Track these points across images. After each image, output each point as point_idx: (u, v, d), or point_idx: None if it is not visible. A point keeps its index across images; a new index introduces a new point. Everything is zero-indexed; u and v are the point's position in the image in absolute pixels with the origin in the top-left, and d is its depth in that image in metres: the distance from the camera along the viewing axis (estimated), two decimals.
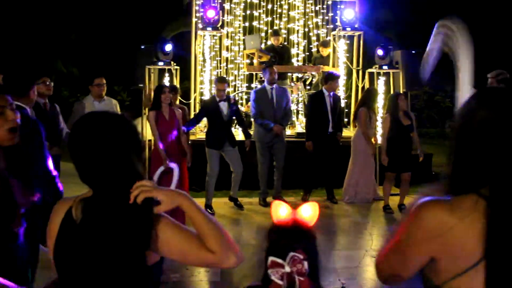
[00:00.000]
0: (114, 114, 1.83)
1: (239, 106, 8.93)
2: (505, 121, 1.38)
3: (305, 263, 1.69)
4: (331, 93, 7.79)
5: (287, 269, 1.68)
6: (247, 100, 9.91)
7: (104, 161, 1.63)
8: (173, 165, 5.45)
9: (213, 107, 7.29)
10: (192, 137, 8.41)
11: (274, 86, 7.67)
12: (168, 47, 8.58)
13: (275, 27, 10.62)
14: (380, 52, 9.21)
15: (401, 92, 8.59)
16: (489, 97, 1.46)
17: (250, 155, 7.61)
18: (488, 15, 12.85)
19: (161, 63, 8.63)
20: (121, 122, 1.71)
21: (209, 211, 7.27)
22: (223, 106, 7.27)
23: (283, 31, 10.75)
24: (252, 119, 8.25)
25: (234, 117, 7.65)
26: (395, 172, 7.40)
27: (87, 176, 1.68)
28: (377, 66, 9.30)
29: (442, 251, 1.41)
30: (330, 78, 7.84)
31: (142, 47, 8.91)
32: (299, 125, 9.75)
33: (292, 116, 8.28)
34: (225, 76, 9.83)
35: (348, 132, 9.47)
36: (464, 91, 6.70)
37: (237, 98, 8.80)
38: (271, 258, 1.71)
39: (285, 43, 10.51)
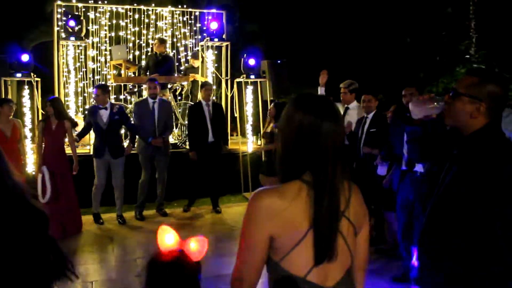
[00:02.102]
0: None
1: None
2: (313, 122, 1.64)
3: None
4: (210, 102, 7.82)
5: None
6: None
7: None
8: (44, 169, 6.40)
9: (93, 115, 7.13)
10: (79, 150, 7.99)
11: (157, 99, 7.57)
12: (25, 57, 8.06)
13: (151, 37, 10.49)
14: (251, 61, 9.49)
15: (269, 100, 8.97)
16: (302, 102, 1.70)
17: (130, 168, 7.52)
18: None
19: (18, 75, 8.09)
20: None
21: (120, 220, 7.30)
22: (103, 114, 7.08)
23: (150, 41, 10.66)
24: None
25: (121, 126, 7.43)
26: (272, 176, 7.72)
27: None
28: (244, 75, 9.59)
29: (278, 229, 1.62)
30: (201, 86, 7.96)
31: None
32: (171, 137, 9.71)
33: (173, 128, 8.15)
34: (91, 88, 9.49)
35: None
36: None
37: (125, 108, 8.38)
38: None
39: (170, 54, 10.37)
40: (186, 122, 8.65)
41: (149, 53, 10.11)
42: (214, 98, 8.99)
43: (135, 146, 7.57)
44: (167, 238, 1.80)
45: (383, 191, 5.63)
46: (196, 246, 1.80)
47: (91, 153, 7.42)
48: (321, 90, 7.20)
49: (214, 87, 10.37)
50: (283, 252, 1.64)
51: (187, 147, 8.25)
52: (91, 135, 7.73)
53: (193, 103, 8.91)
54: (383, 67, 12.75)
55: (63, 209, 6.62)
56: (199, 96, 8.22)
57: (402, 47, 12.79)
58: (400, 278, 4.93)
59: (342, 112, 6.83)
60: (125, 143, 7.64)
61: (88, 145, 8.46)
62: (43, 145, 6.74)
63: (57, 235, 6.46)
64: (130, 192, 7.51)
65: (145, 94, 9.28)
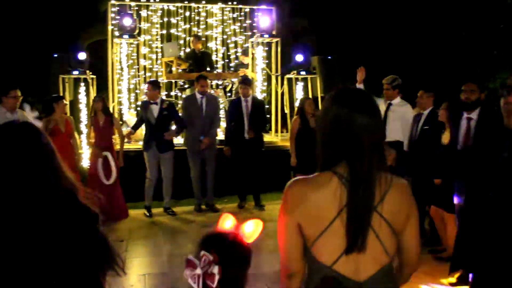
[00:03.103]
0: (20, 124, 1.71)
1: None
2: (348, 114, 1.66)
3: (215, 267, 1.63)
4: (248, 98, 7.80)
5: (199, 271, 1.63)
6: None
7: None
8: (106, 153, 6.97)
9: (144, 109, 7.34)
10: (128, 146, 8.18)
11: (205, 95, 7.65)
12: (82, 56, 8.30)
13: (194, 34, 10.60)
14: (299, 57, 9.42)
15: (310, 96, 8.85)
16: (339, 96, 1.74)
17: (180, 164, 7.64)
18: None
19: (75, 72, 8.33)
20: (24, 131, 1.62)
21: (169, 212, 7.49)
22: (154, 108, 7.26)
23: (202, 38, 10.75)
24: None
25: (170, 122, 7.57)
26: (304, 174, 7.55)
27: None
28: (295, 72, 9.51)
29: (305, 216, 1.68)
30: (239, 82, 7.96)
31: (55, 55, 8.58)
32: (220, 132, 9.77)
33: (219, 124, 8.21)
34: (143, 85, 9.67)
35: (269, 138, 9.61)
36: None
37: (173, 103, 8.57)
38: (188, 257, 1.67)
39: (206, 50, 10.49)
40: None
41: (186, 51, 10.18)
42: (254, 94, 8.95)
43: (183, 141, 7.68)
44: (227, 223, 1.88)
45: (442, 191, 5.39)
46: (251, 228, 1.85)
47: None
48: (359, 87, 7.21)
49: (265, 83, 10.36)
50: (312, 239, 1.69)
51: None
52: (143, 131, 7.88)
53: (234, 99, 8.94)
54: (437, 62, 12.37)
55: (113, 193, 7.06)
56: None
57: (457, 42, 12.37)
58: (456, 283, 4.71)
59: (384, 108, 6.65)
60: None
61: (140, 140, 8.62)
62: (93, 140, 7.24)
63: (114, 217, 6.89)
64: (177, 187, 7.64)
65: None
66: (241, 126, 7.69)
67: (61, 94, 8.11)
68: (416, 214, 1.79)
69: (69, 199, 1.59)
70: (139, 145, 8.24)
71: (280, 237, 1.76)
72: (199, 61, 9.54)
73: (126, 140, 7.86)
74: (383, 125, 1.77)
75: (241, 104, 7.74)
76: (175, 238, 6.48)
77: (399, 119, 6.23)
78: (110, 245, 1.65)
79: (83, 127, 8.41)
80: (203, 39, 10.74)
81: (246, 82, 7.84)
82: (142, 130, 7.84)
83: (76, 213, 1.58)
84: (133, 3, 10.06)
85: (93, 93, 8.52)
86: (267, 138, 8.95)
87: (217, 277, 1.63)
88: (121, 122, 8.75)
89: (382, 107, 6.94)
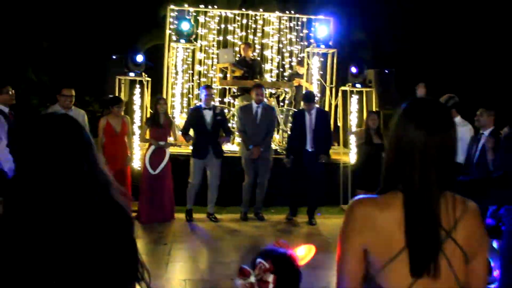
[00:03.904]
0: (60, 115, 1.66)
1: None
2: (421, 134, 1.53)
3: (271, 276, 1.64)
4: (312, 111, 7.59)
5: (252, 279, 1.64)
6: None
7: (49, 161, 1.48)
8: (161, 143, 7.18)
9: (197, 116, 7.31)
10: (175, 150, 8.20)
11: (261, 104, 7.59)
12: (139, 58, 8.42)
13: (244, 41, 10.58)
14: (354, 69, 9.20)
15: (374, 110, 8.61)
16: (414, 113, 1.59)
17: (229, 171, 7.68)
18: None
19: (132, 74, 8.46)
20: (65, 122, 1.58)
21: (212, 218, 7.45)
22: (207, 114, 7.23)
23: (257, 46, 10.71)
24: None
25: (220, 128, 7.54)
26: (366, 190, 7.34)
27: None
28: (350, 84, 9.30)
29: (372, 241, 1.54)
30: (303, 100, 7.79)
31: (114, 57, 8.76)
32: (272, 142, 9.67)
33: (273, 133, 8.08)
34: (197, 90, 9.72)
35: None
36: None
37: (225, 110, 8.63)
38: (242, 266, 1.69)
39: (258, 57, 10.44)
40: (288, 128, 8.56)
41: (237, 58, 10.16)
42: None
43: (238, 149, 7.64)
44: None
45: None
46: (303, 252, 1.86)
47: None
48: None
49: (318, 95, 10.19)
50: (378, 267, 1.54)
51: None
52: None
53: (296, 110, 8.81)
54: (498, 79, 11.84)
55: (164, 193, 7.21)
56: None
57: None
58: None
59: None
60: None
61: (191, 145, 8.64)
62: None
63: (159, 218, 7.03)
64: (222, 193, 7.60)
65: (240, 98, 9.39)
66: (303, 138, 7.55)
67: (117, 95, 8.26)
68: (487, 240, 1.64)
69: (103, 195, 1.53)
70: (189, 149, 8.26)
71: (342, 261, 1.61)
72: (250, 69, 9.50)
73: (177, 143, 7.92)
74: (455, 141, 1.62)
75: (304, 117, 7.60)
76: (217, 245, 6.42)
77: (458, 139, 5.93)
78: (137, 254, 1.56)
79: (135, 128, 8.51)
80: (259, 46, 10.71)
81: (310, 99, 7.65)
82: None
83: (108, 211, 1.51)
84: (191, 9, 10.16)
85: (147, 95, 8.62)
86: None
87: (271, 286, 1.65)
88: None
89: None
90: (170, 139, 7.52)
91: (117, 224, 1.52)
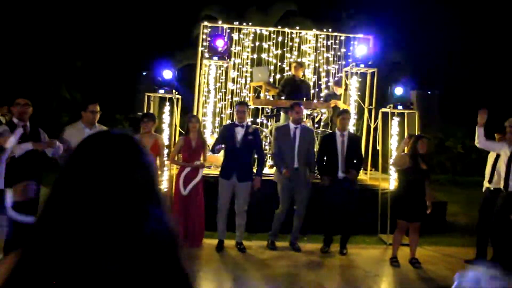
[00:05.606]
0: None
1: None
2: None
3: None
4: (345, 133, 7.14)
5: None
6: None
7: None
8: (197, 163, 6.81)
9: (229, 132, 6.88)
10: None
11: (299, 125, 7.10)
12: (167, 74, 8.05)
13: (293, 60, 10.18)
14: (399, 90, 8.58)
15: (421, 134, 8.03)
16: None
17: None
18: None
19: (161, 91, 8.12)
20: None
21: (240, 247, 6.90)
22: (239, 131, 6.81)
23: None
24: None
25: (253, 148, 7.00)
26: (408, 221, 6.73)
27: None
28: (391, 105, 8.73)
29: None
30: (339, 114, 7.34)
31: (144, 73, 8.49)
32: None
33: (314, 159, 7.34)
34: (229, 109, 9.35)
35: (364, 176, 8.84)
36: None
37: (259, 131, 8.10)
38: None
39: (307, 80, 10.01)
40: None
41: (285, 76, 9.71)
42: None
43: (274, 174, 7.12)
44: None
45: None
46: None
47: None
48: (479, 131, 6.49)
49: (356, 117, 9.67)
50: None
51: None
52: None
53: (328, 133, 8.29)
54: None
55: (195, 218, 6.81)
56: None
57: None
58: None
59: (508, 153, 5.92)
60: (254, 170, 7.19)
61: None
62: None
63: (187, 243, 6.53)
64: (251, 219, 7.11)
65: (282, 118, 8.91)
66: (334, 162, 7.03)
67: (145, 112, 7.94)
68: None
69: (166, 262, 1.14)
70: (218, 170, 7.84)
71: None
72: (296, 89, 9.03)
73: (206, 165, 7.47)
74: None
75: (335, 138, 7.10)
76: (245, 277, 5.90)
77: None
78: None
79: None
80: (307, 69, 10.29)
81: (347, 114, 7.26)
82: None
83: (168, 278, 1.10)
84: (225, 26, 9.86)
85: (177, 113, 8.27)
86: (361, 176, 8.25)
87: None
88: None
89: (506, 152, 6.19)
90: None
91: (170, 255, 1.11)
